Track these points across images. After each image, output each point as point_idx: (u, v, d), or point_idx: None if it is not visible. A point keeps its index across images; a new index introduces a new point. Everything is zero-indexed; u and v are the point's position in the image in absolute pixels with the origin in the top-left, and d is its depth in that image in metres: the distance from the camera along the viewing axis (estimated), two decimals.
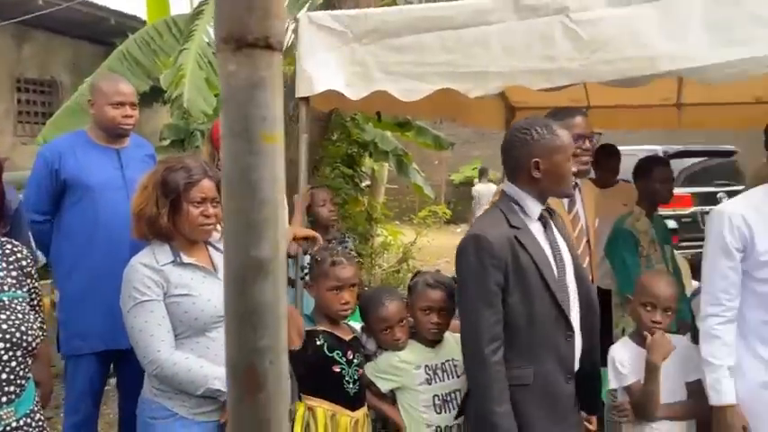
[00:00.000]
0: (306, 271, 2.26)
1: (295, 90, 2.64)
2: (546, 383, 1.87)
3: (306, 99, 2.67)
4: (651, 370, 2.11)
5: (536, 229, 1.95)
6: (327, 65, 2.52)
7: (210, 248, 2.06)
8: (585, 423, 2.13)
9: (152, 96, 5.44)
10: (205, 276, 1.96)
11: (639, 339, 2.22)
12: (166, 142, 5.58)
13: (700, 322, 2.09)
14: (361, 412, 2.15)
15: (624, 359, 2.21)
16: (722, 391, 1.99)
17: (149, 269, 1.90)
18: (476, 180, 12.07)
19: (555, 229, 2.00)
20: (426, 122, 6.64)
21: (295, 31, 2.68)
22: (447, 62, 2.39)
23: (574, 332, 1.89)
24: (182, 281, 1.92)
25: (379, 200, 7.82)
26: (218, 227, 1.97)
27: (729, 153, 7.98)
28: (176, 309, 1.89)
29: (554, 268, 1.90)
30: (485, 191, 10.18)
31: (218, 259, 2.03)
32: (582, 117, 2.39)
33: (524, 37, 2.26)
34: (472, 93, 2.38)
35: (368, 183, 7.82)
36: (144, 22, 6.82)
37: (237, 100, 0.49)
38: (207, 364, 1.87)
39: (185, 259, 1.95)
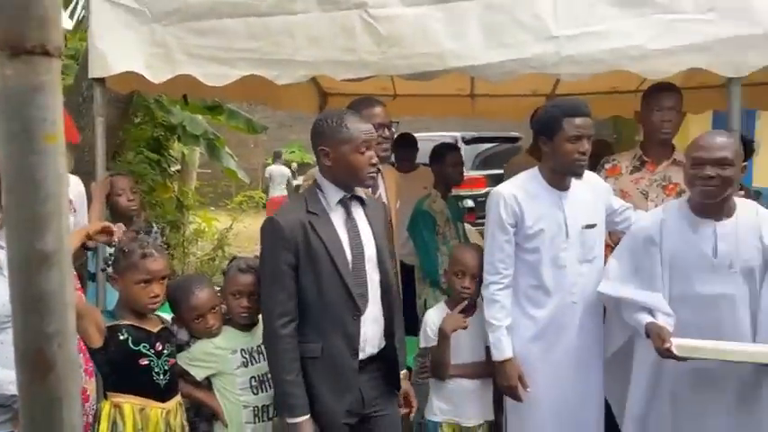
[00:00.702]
0: (109, 263, 2.13)
1: (88, 69, 2.46)
2: (332, 358, 1.99)
3: (101, 80, 2.50)
4: (442, 337, 2.35)
5: (337, 215, 2.04)
6: (124, 44, 2.38)
7: None
8: (406, 397, 2.24)
9: None
10: None
11: (453, 305, 2.44)
12: None
13: (483, 290, 2.37)
14: (173, 402, 2.12)
15: (435, 322, 2.42)
16: (502, 348, 2.29)
17: None
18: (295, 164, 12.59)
19: (362, 217, 2.10)
20: (239, 105, 6.51)
21: (86, 6, 2.49)
22: (254, 49, 2.40)
23: (361, 313, 2.02)
24: None
25: (190, 186, 7.51)
26: None
27: (515, 139, 9.00)
28: None
29: (347, 253, 2.01)
30: (276, 172, 10.82)
31: (2, 256, 1.84)
32: (381, 107, 2.55)
33: (327, 28, 2.35)
34: (280, 80, 2.43)
35: (177, 168, 7.46)
36: None
37: (16, 102, 0.49)
38: None
39: None
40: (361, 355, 2.05)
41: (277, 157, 11.50)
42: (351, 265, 2.01)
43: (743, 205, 2.16)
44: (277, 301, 1.96)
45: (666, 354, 2.02)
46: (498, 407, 2.50)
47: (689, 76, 2.86)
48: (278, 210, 2.09)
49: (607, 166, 2.91)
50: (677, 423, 2.18)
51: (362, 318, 2.03)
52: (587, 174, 2.39)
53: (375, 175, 2.02)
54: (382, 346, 2.12)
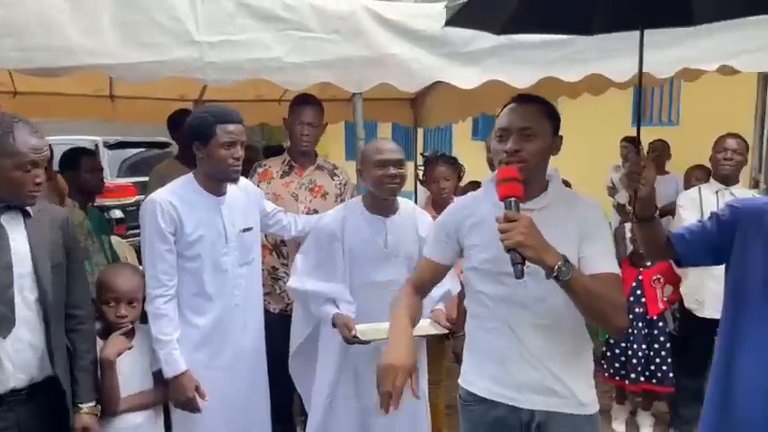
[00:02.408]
0: None
1: None
2: None
3: None
4: (105, 366, 2.09)
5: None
6: None
7: None
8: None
9: None
10: None
11: (107, 336, 2.16)
12: None
13: (147, 305, 2.21)
14: None
15: None
16: (174, 362, 2.19)
17: None
18: None
19: (19, 229, 1.85)
20: None
21: None
22: None
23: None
24: None
25: None
26: None
27: (165, 144, 8.64)
28: None
29: None
30: None
31: None
32: None
33: None
34: None
35: None
36: None
37: None
38: None
39: None
40: (12, 383, 1.81)
41: None
42: None
43: (403, 203, 2.54)
44: None
45: (353, 341, 2.27)
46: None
47: (323, 89, 3.17)
48: None
49: (259, 170, 3.04)
50: (359, 396, 2.44)
51: (6, 341, 1.78)
52: (240, 179, 2.45)
53: (35, 193, 1.83)
54: (48, 374, 1.87)
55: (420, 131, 5.81)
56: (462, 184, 3.81)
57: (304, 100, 2.95)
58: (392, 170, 2.35)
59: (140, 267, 2.41)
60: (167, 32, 2.19)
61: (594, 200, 1.77)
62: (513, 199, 1.52)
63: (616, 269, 1.66)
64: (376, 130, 9.81)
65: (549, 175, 1.75)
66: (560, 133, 1.72)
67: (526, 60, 2.68)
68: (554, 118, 1.70)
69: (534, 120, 1.65)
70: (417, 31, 2.57)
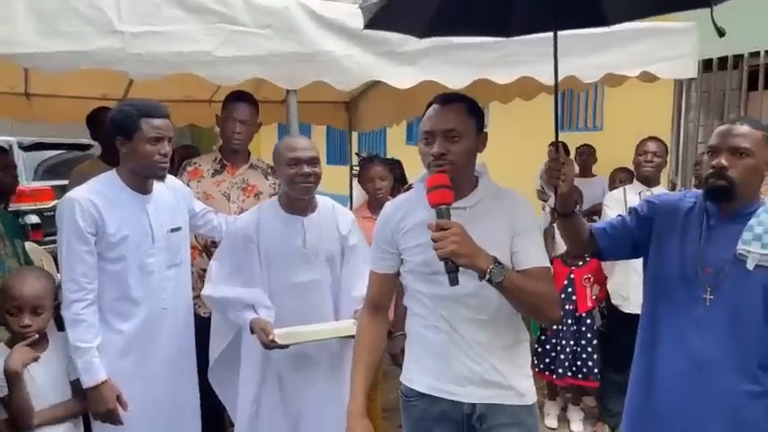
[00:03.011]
0: None
1: None
2: None
3: None
4: (11, 378, 1.93)
5: None
6: None
7: None
8: None
9: None
10: None
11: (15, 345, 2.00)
12: None
13: (64, 310, 2.08)
14: None
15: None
16: (94, 371, 2.06)
17: None
18: None
19: None
20: None
21: None
22: None
23: None
24: None
25: None
26: None
27: (86, 146, 8.22)
28: None
29: None
30: None
31: None
32: None
33: None
34: None
35: None
36: None
37: None
38: None
39: None
40: None
41: None
42: None
43: (322, 201, 2.47)
44: None
45: (272, 345, 2.21)
46: None
47: (256, 90, 3.09)
48: None
49: (189, 168, 2.93)
50: (284, 399, 2.38)
51: None
52: (168, 177, 2.35)
53: None
54: None
55: (355, 135, 5.79)
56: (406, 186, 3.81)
57: (238, 96, 2.87)
58: (306, 168, 2.28)
59: (58, 275, 2.25)
60: (87, 21, 2.06)
61: (521, 194, 1.80)
62: (443, 207, 1.54)
63: (547, 262, 1.71)
64: (310, 132, 9.73)
65: (479, 171, 1.76)
66: (485, 130, 1.73)
67: (461, 61, 2.71)
68: (477, 115, 1.70)
69: (458, 120, 1.65)
70: (352, 30, 2.54)
